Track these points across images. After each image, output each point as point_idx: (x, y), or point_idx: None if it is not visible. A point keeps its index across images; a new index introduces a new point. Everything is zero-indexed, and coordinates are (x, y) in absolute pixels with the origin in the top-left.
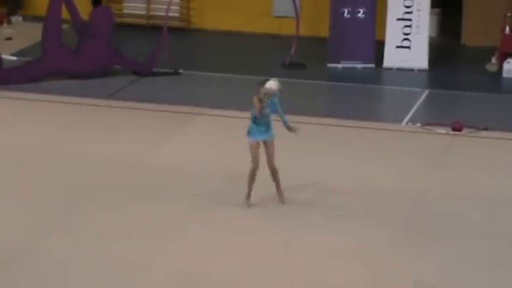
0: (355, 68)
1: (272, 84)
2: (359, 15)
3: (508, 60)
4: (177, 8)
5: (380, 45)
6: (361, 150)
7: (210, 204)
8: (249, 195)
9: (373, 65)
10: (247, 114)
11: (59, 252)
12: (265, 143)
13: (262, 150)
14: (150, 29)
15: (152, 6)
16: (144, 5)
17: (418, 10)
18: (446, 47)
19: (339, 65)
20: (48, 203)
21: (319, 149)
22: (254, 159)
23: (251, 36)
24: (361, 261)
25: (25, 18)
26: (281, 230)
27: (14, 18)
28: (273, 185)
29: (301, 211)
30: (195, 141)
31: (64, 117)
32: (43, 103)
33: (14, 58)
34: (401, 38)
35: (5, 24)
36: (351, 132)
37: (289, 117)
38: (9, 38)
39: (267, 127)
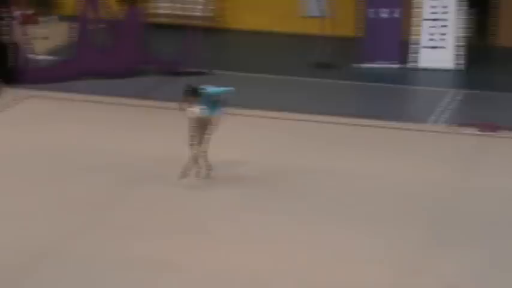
0: (382, 68)
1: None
2: (386, 15)
3: None
4: (208, 7)
5: (407, 45)
6: (388, 150)
7: (240, 203)
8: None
9: (400, 65)
10: (276, 114)
11: (88, 251)
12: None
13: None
14: (181, 28)
15: (183, 6)
16: (175, 5)
17: (446, 9)
18: (479, 47)
19: (366, 65)
20: (79, 201)
21: (346, 150)
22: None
23: (280, 36)
24: (390, 263)
25: (60, 17)
26: (309, 230)
27: (48, 18)
28: (299, 182)
29: (328, 211)
30: (223, 141)
31: (95, 116)
32: (75, 102)
33: (48, 57)
34: (429, 38)
35: (40, 24)
36: (378, 133)
37: (316, 117)
38: (44, 38)
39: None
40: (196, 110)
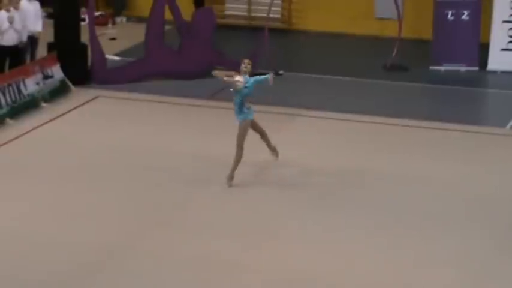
0: (458, 71)
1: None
2: (463, 17)
3: None
4: (278, 9)
5: (484, 48)
6: (463, 154)
7: (308, 204)
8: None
9: (477, 68)
10: (348, 116)
11: (157, 250)
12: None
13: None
14: (251, 30)
15: (253, 7)
16: (245, 6)
17: None
18: None
19: (442, 68)
20: (148, 200)
21: (421, 152)
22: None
23: (352, 38)
24: (464, 266)
25: (129, 19)
26: (379, 232)
27: (118, 19)
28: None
29: (400, 215)
30: (294, 142)
31: (165, 116)
32: (143, 103)
33: (118, 58)
34: (507, 41)
35: (110, 25)
36: (454, 136)
37: (389, 120)
38: (113, 39)
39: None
40: (239, 78)
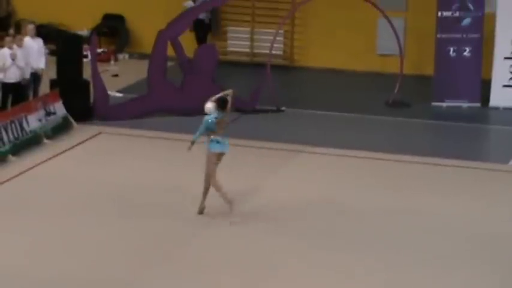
0: (460, 107)
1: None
2: (465, 53)
3: None
4: (280, 45)
5: (486, 84)
6: (466, 190)
7: (311, 242)
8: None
9: (479, 104)
10: (351, 153)
11: (158, 285)
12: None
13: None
14: (254, 66)
15: (255, 44)
16: (247, 43)
17: None
18: None
19: (444, 104)
20: (150, 236)
21: (423, 188)
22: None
23: (354, 74)
24: None
25: (131, 55)
26: (383, 268)
27: (120, 56)
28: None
29: (401, 251)
30: (297, 179)
31: (167, 153)
32: (145, 139)
33: (120, 95)
34: (509, 77)
35: (112, 62)
36: (456, 172)
37: (392, 156)
38: (115, 75)
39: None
40: (209, 105)
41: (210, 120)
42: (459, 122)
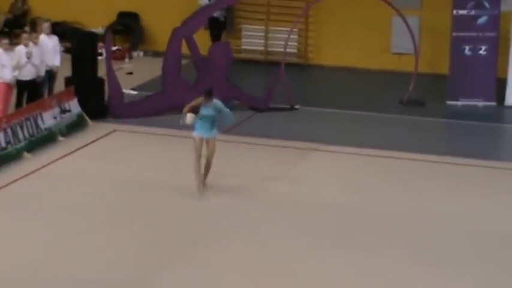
0: (475, 106)
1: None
2: (480, 52)
3: None
4: (295, 44)
5: (502, 83)
6: (481, 189)
7: (324, 241)
8: (201, 186)
9: (494, 103)
10: (365, 151)
11: (172, 285)
12: (207, 140)
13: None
14: (268, 64)
15: (270, 42)
16: (262, 41)
17: None
18: None
19: (459, 103)
20: (163, 235)
21: (437, 187)
22: (197, 149)
23: (369, 73)
24: None
25: (146, 53)
26: (399, 269)
27: (135, 54)
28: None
29: (416, 251)
30: (310, 177)
31: (182, 150)
32: (161, 137)
33: (135, 92)
34: None
35: (127, 59)
36: (471, 171)
37: (406, 154)
38: (130, 73)
39: (211, 126)
40: (189, 117)
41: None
42: (474, 121)
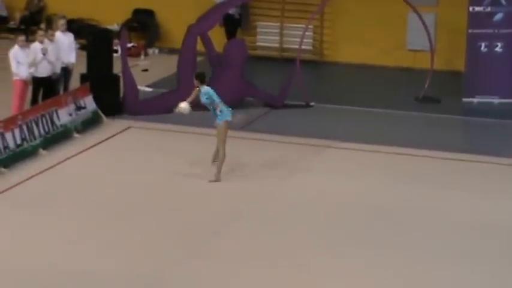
0: (491, 103)
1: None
2: (497, 49)
3: None
4: (310, 40)
5: None
6: (497, 187)
7: (342, 238)
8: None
9: (510, 100)
10: (381, 148)
11: (189, 280)
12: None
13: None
14: (283, 61)
15: (285, 39)
16: (277, 38)
17: None
18: None
19: (475, 100)
20: (178, 232)
21: (454, 184)
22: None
23: (384, 70)
24: None
25: (161, 50)
26: (413, 266)
27: (150, 51)
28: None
29: (432, 250)
30: (325, 174)
31: (197, 147)
32: (177, 133)
33: (150, 89)
34: None
35: (142, 56)
36: (488, 168)
37: (422, 151)
38: (145, 70)
39: (214, 114)
40: (183, 105)
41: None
42: (490, 118)
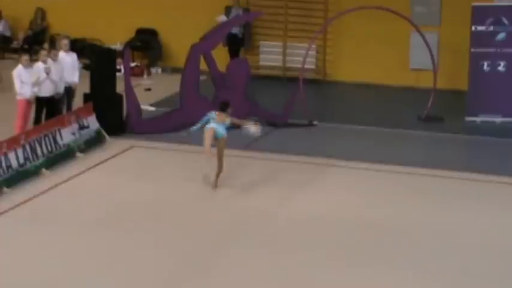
0: (494, 122)
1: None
2: (499, 68)
3: None
4: (313, 60)
5: None
6: (501, 206)
7: (343, 257)
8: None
9: None
10: (384, 167)
11: None
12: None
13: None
14: (286, 80)
15: (288, 58)
16: (280, 57)
17: None
18: None
19: (478, 119)
20: (183, 250)
21: (457, 204)
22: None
23: (387, 89)
24: None
25: (164, 69)
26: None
27: (153, 70)
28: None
29: (436, 269)
30: (329, 193)
31: (199, 167)
32: (179, 153)
33: (153, 109)
34: None
35: (145, 76)
36: (491, 188)
37: (425, 171)
38: (148, 89)
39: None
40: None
41: (211, 116)
42: (493, 137)
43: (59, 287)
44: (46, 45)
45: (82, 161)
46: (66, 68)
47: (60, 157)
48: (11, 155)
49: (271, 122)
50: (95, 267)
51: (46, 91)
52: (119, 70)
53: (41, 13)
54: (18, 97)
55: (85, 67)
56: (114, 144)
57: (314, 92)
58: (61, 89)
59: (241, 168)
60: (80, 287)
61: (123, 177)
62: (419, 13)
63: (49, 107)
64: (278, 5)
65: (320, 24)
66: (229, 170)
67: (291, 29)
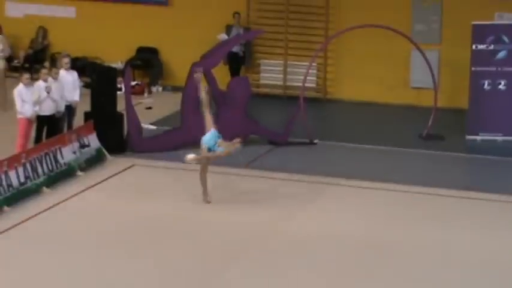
0: (495, 141)
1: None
2: (500, 86)
3: None
4: (314, 78)
5: None
6: (502, 224)
7: (344, 276)
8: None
9: None
10: (384, 186)
11: None
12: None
13: None
14: (287, 99)
15: (289, 76)
16: (280, 76)
17: None
18: None
19: (479, 137)
20: (184, 270)
21: (458, 223)
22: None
23: (387, 107)
24: None
25: (165, 88)
26: None
27: (154, 88)
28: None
29: (440, 286)
30: (329, 212)
31: (197, 184)
32: (180, 171)
33: (154, 127)
34: None
35: (146, 94)
36: (492, 206)
37: (426, 189)
38: (149, 108)
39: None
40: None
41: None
42: (494, 156)
43: None
44: (47, 64)
45: (83, 180)
46: (66, 87)
47: (61, 175)
48: (12, 174)
49: (271, 140)
50: (95, 287)
51: (47, 110)
52: (120, 89)
53: (43, 32)
54: (19, 116)
55: (86, 85)
56: (114, 163)
57: (315, 111)
58: (62, 108)
59: (240, 186)
60: None
61: (124, 196)
62: (419, 31)
63: (50, 126)
64: (279, 23)
65: (320, 42)
66: (230, 187)
67: (292, 48)
